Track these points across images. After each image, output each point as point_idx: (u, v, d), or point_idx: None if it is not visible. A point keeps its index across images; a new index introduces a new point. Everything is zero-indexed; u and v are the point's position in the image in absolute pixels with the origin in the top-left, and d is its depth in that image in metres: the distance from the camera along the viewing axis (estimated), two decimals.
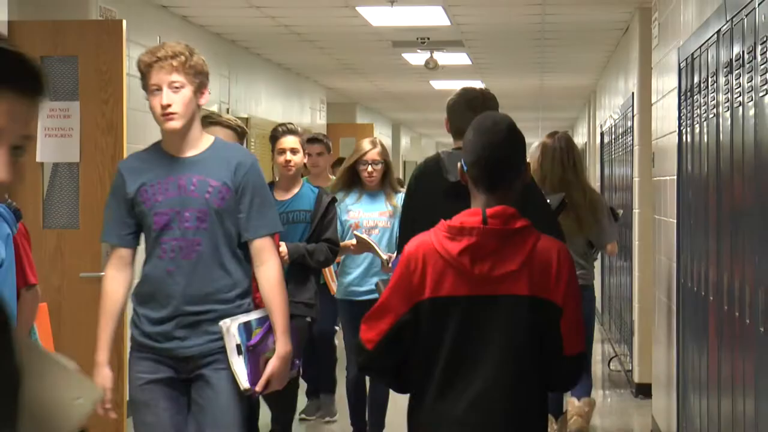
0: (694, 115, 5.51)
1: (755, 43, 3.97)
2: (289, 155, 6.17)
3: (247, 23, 10.08)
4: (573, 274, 3.16)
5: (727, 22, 4.53)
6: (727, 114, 4.53)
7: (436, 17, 9.72)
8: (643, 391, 8.48)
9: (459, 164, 3.23)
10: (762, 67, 3.85)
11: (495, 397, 3.07)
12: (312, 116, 15.06)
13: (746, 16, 4.17)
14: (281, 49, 11.88)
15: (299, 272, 5.95)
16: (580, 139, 20.26)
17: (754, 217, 4.06)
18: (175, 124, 4.08)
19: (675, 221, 6.28)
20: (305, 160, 6.45)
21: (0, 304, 1.69)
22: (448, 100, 4.54)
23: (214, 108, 10.54)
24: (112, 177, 6.41)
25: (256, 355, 4.02)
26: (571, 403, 6.80)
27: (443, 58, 11.77)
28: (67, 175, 6.54)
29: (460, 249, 3.07)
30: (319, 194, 6.14)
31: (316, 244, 6.01)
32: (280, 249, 5.32)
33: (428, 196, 4.08)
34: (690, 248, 5.69)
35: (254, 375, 4.01)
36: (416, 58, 12.06)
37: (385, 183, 6.63)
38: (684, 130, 5.95)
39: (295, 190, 6.19)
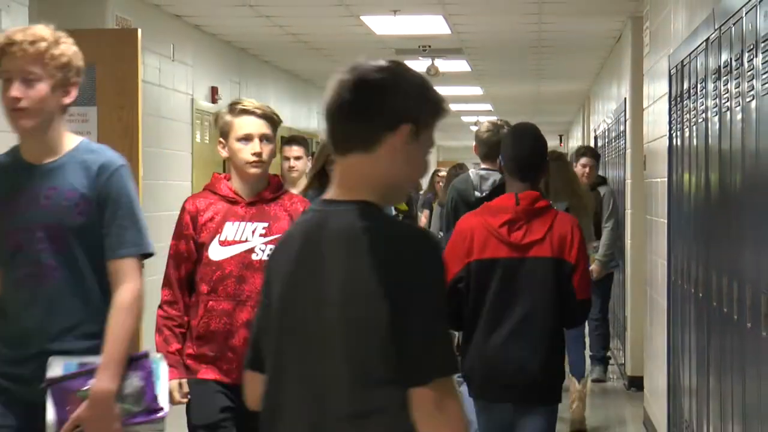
0: (684, 120, 5.50)
1: (742, 51, 3.96)
2: (293, 162, 6.20)
3: (257, 32, 10.09)
4: (582, 240, 4.15)
5: (716, 30, 4.53)
6: (716, 119, 4.53)
7: (437, 26, 9.72)
8: (636, 383, 8.47)
9: (498, 160, 4.41)
10: (749, 73, 3.84)
11: (527, 330, 4.05)
12: (318, 121, 15.06)
13: (734, 24, 4.17)
14: (289, 56, 11.88)
15: None
16: (574, 142, 20.25)
17: (741, 217, 4.06)
18: (25, 123, 3.15)
19: (666, 221, 6.27)
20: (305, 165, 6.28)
21: None
22: (477, 131, 5.79)
23: None
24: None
25: (61, 391, 3.09)
26: (573, 384, 7.18)
27: (444, 65, 11.77)
28: None
29: (501, 222, 4.09)
30: None
31: None
32: None
33: (461, 205, 5.43)
34: (680, 247, 5.68)
35: (60, 415, 3.10)
36: (418, 65, 12.05)
37: None
38: (674, 134, 5.94)
39: None
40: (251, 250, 3.76)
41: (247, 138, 3.80)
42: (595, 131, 14.37)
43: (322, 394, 2.21)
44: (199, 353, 3.78)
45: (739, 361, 3.98)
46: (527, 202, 4.11)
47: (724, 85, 4.33)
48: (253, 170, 3.80)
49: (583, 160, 8.31)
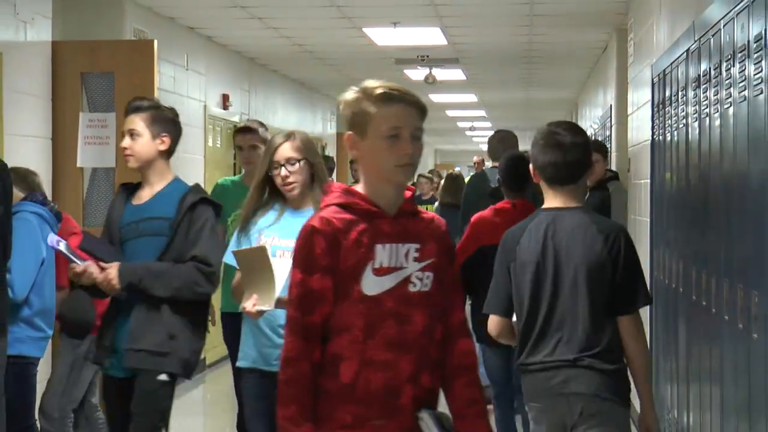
0: (666, 125, 5.50)
1: (721, 61, 3.96)
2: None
3: (266, 43, 10.09)
4: None
5: (696, 41, 4.53)
6: (696, 124, 4.53)
7: (434, 37, 9.72)
8: None
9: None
10: (727, 82, 3.85)
11: None
12: (323, 126, 15.07)
13: (713, 36, 4.17)
14: (295, 66, 11.88)
15: (145, 306, 3.97)
16: None
17: (719, 216, 4.06)
18: None
19: (648, 220, 6.27)
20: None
21: None
22: (489, 138, 6.75)
23: (236, 119, 10.55)
24: None
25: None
26: None
27: (441, 74, 11.78)
28: (104, 179, 6.55)
29: (503, 220, 4.95)
30: (183, 195, 4.08)
31: (171, 265, 3.95)
32: (107, 272, 3.88)
33: (478, 196, 6.26)
34: (662, 245, 5.69)
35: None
36: (416, 74, 12.06)
37: (315, 194, 3.92)
38: (657, 139, 5.94)
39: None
40: (408, 280, 2.66)
41: (397, 134, 2.67)
42: None
43: (573, 321, 3.48)
44: (356, 420, 2.63)
45: (718, 351, 3.98)
46: (521, 207, 5.06)
47: (703, 93, 4.33)
48: (404, 176, 2.69)
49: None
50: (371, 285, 2.62)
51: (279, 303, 3.59)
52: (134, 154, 4.06)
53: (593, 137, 11.60)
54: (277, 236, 3.85)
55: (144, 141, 4.07)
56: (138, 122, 4.08)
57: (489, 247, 4.49)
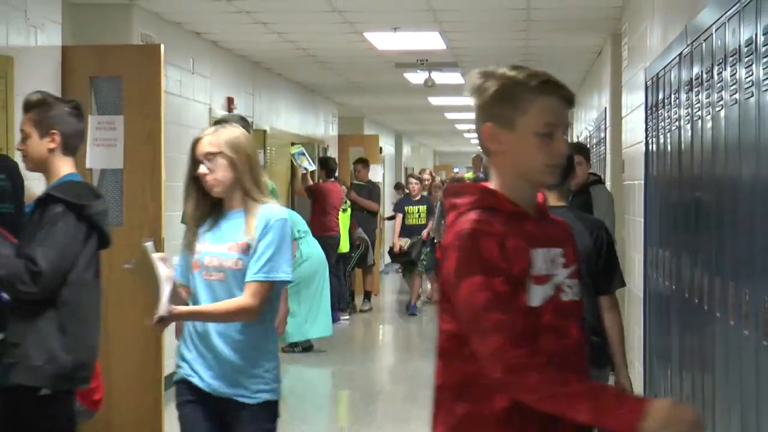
0: (659, 127, 5.50)
1: (712, 65, 3.97)
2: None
3: (269, 47, 10.09)
4: None
5: (688, 45, 4.53)
6: (688, 126, 4.53)
7: (433, 42, 9.72)
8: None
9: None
10: (718, 85, 3.85)
11: None
12: (325, 128, 15.07)
13: (704, 41, 4.17)
14: (298, 69, 11.88)
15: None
16: None
17: (711, 216, 4.06)
18: None
19: (642, 220, 6.28)
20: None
21: None
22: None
23: None
24: (151, 182, 6.43)
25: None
26: None
27: (440, 77, 11.78)
28: (112, 180, 6.55)
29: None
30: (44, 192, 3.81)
31: (7, 255, 3.68)
32: None
33: None
34: (656, 244, 5.69)
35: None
36: (416, 77, 12.07)
37: (237, 194, 3.56)
38: (650, 141, 5.95)
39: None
40: (560, 288, 2.31)
41: (551, 132, 2.25)
42: (578, 137, 14.37)
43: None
44: None
45: (710, 348, 3.99)
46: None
47: (695, 96, 4.34)
48: (552, 178, 2.30)
49: None
50: (533, 295, 2.23)
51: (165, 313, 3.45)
52: (26, 155, 3.82)
53: (588, 139, 11.61)
54: (209, 242, 3.60)
55: (33, 142, 3.81)
56: (25, 122, 3.82)
57: None
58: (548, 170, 2.25)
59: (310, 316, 9.75)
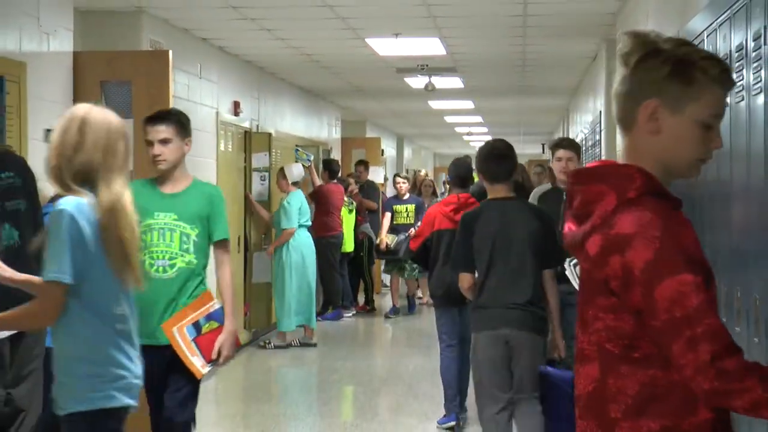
0: None
1: None
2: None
3: (274, 53, 10.09)
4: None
5: None
6: None
7: (433, 47, 9.72)
8: None
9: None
10: None
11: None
12: (329, 131, 15.07)
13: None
14: (303, 74, 11.88)
15: None
16: None
17: (703, 217, 4.06)
18: None
19: None
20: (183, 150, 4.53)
21: None
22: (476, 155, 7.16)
23: (246, 124, 10.55)
24: None
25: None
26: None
27: (439, 82, 11.78)
28: None
29: (450, 210, 6.39)
30: None
31: None
32: None
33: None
34: None
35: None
36: (416, 82, 12.06)
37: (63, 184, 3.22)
38: None
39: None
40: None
41: (713, 124, 2.02)
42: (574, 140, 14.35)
43: (515, 279, 4.78)
44: None
45: None
46: (464, 199, 6.44)
47: None
48: (698, 173, 2.10)
49: (560, 153, 6.11)
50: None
51: None
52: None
53: (584, 141, 11.61)
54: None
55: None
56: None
57: (442, 230, 6.37)
58: (697, 164, 2.03)
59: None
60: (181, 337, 4.25)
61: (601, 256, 1.93)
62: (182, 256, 4.32)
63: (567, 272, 5.02)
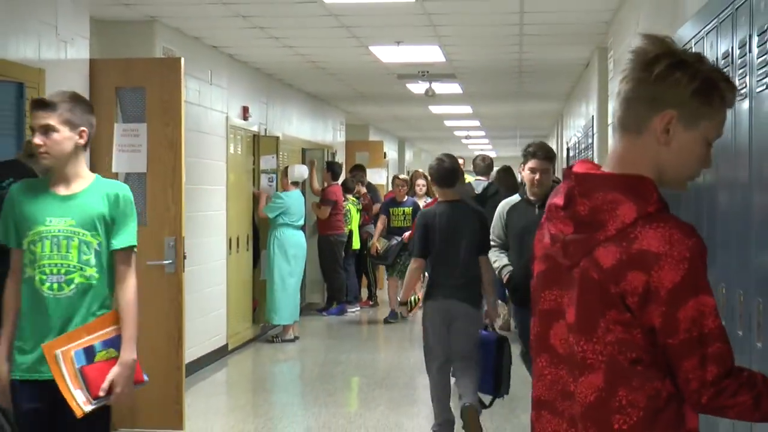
0: None
1: None
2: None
3: (282, 60, 10.10)
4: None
5: None
6: None
7: (433, 55, 9.72)
8: None
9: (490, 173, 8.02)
10: None
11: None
12: (333, 135, 15.07)
13: None
14: (309, 80, 11.89)
15: None
16: None
17: (700, 219, 4.05)
18: None
19: None
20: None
21: None
22: (474, 161, 8.57)
23: (254, 128, 10.55)
24: (173, 184, 6.44)
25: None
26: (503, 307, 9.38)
27: (439, 87, 11.77)
28: (136, 183, 6.55)
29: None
30: None
31: None
32: None
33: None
34: None
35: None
36: (417, 87, 12.06)
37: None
38: None
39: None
40: None
41: (712, 144, 2.01)
42: (567, 143, 14.35)
43: (457, 263, 5.73)
44: None
45: None
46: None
47: None
48: (685, 188, 2.05)
49: (533, 163, 5.59)
50: None
51: None
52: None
53: (577, 145, 11.60)
54: None
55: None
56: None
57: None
58: (688, 180, 2.00)
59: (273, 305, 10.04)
60: (65, 362, 3.32)
61: (619, 270, 1.86)
62: (82, 270, 3.43)
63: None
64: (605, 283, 1.88)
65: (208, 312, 8.90)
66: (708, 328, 1.85)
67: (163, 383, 6.38)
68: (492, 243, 5.88)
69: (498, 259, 5.84)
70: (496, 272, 5.81)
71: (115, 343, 3.44)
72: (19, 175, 4.23)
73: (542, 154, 5.60)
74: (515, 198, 5.91)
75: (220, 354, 9.21)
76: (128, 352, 3.44)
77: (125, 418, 6.36)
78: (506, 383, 5.59)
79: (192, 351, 8.12)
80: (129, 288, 3.51)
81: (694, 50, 3.96)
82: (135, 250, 3.55)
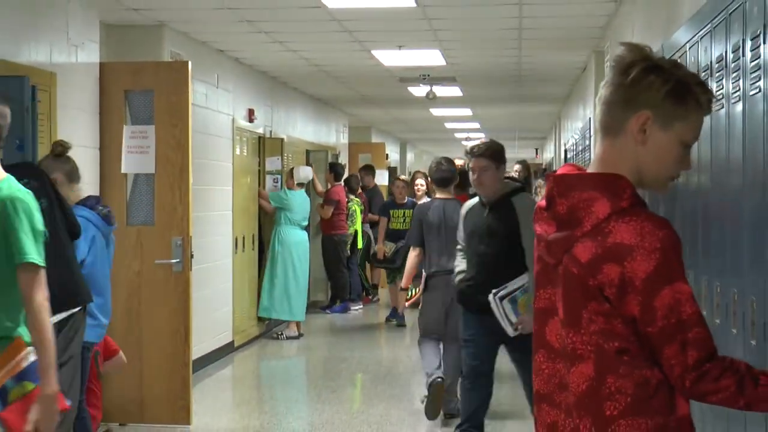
0: None
1: None
2: None
3: (286, 63, 10.10)
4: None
5: None
6: None
7: (434, 59, 9.72)
8: None
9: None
10: None
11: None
12: (337, 137, 15.07)
13: (679, 57, 4.17)
14: (313, 83, 11.89)
15: None
16: (548, 154, 20.21)
17: (683, 217, 4.05)
18: None
19: None
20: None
21: None
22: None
23: (260, 130, 10.56)
24: (180, 185, 6.44)
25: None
26: None
27: (440, 90, 11.77)
28: (145, 183, 6.56)
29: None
30: None
31: None
32: None
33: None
34: None
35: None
36: (419, 90, 12.06)
37: None
38: None
39: None
40: None
41: (689, 146, 2.02)
42: (565, 145, 14.35)
43: (450, 251, 5.86)
44: None
45: None
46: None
47: None
48: (666, 190, 2.07)
49: (471, 163, 5.07)
50: None
51: None
52: None
53: (574, 146, 11.60)
54: None
55: None
56: None
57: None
58: (668, 181, 2.03)
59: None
60: None
61: (595, 263, 1.90)
62: None
63: (492, 305, 4.90)
64: (584, 277, 1.92)
65: (215, 310, 8.90)
66: (686, 314, 1.87)
67: (170, 379, 6.39)
68: (458, 247, 5.40)
69: (459, 264, 5.30)
70: (454, 277, 5.41)
71: (28, 374, 2.93)
72: (31, 173, 4.26)
73: (479, 151, 5.06)
74: (474, 200, 5.30)
75: (226, 351, 9.21)
76: (49, 385, 2.90)
77: (133, 414, 6.37)
78: None
79: (199, 348, 8.13)
80: (35, 311, 2.92)
81: (688, 55, 3.97)
82: (37, 266, 2.95)
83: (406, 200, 11.07)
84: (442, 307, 6.39)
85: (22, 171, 4.41)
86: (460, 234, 5.31)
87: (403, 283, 6.87)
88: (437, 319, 6.42)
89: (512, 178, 5.90)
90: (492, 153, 5.04)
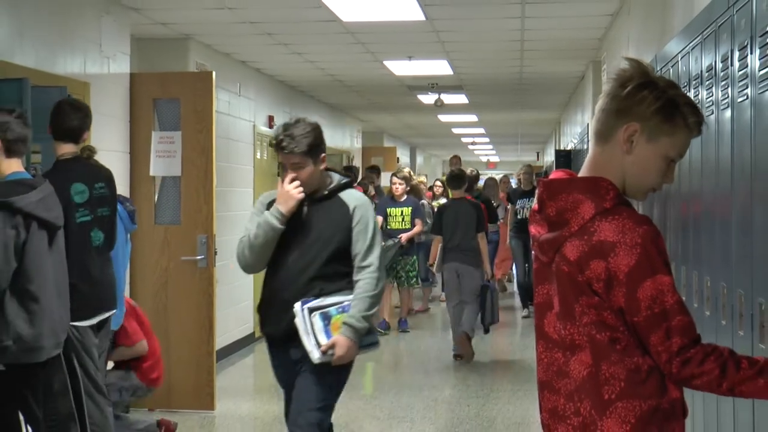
0: None
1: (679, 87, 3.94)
2: None
3: (304, 73, 10.11)
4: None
5: (658, 71, 4.51)
6: None
7: (442, 68, 9.71)
8: None
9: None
10: None
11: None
12: (351, 141, 15.08)
13: (671, 66, 4.16)
14: (328, 92, 11.90)
15: None
16: (548, 158, 20.17)
17: (675, 217, 4.04)
18: None
19: None
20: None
21: None
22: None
23: None
24: (205, 187, 6.46)
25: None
26: None
27: (447, 98, 11.76)
28: (172, 185, 6.57)
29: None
30: None
31: None
32: None
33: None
34: None
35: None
36: (427, 98, 12.06)
37: None
38: None
39: None
40: None
41: (675, 162, 2.03)
42: (564, 149, 14.31)
43: (460, 238, 8.24)
44: None
45: None
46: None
47: None
48: (645, 199, 2.07)
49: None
50: None
51: None
52: None
53: (573, 149, 11.56)
54: None
55: None
56: None
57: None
58: (648, 191, 2.03)
59: None
60: None
61: (583, 261, 1.93)
62: None
63: (297, 318, 3.68)
64: (573, 274, 1.95)
65: (237, 303, 8.92)
66: (668, 304, 1.89)
67: (195, 368, 6.41)
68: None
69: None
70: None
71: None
72: (105, 179, 4.38)
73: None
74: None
75: (247, 341, 9.23)
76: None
77: (161, 400, 6.39)
78: (488, 316, 8.02)
79: (222, 338, 8.15)
80: None
81: (680, 65, 3.95)
82: None
83: (405, 198, 9.69)
84: (455, 278, 8.11)
85: (98, 175, 4.51)
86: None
87: (429, 259, 8.94)
88: (454, 285, 8.11)
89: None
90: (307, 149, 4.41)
